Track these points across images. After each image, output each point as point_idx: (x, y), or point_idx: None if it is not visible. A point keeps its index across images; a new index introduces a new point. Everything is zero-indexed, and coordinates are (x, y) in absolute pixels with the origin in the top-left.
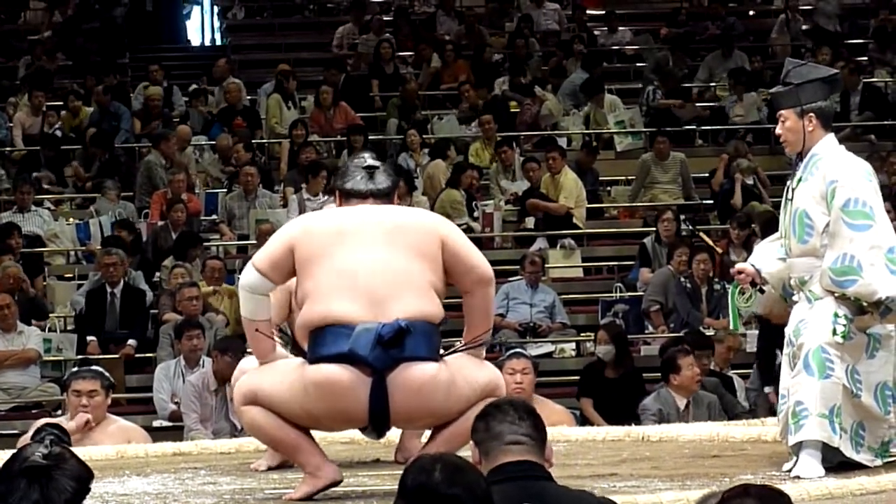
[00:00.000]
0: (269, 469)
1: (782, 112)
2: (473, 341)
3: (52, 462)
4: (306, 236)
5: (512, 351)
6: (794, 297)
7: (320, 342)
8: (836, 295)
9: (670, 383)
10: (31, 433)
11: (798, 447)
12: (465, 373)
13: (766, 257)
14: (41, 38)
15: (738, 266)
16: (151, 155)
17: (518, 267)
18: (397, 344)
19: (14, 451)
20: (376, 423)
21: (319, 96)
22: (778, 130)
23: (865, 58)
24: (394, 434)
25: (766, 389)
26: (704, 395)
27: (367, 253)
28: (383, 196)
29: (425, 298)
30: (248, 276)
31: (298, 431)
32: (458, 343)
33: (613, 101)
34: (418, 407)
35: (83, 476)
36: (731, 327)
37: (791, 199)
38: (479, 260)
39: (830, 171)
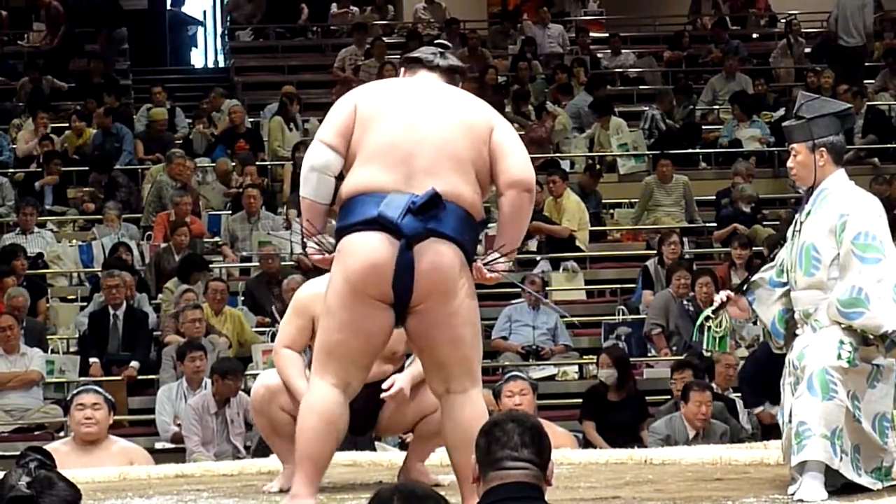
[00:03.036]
0: (282, 491)
1: (794, 146)
2: (500, 253)
3: (38, 489)
4: (367, 94)
5: (509, 374)
6: (798, 331)
7: (350, 211)
8: (843, 326)
9: (682, 410)
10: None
11: (801, 469)
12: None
13: (762, 298)
14: (40, 58)
15: (734, 296)
16: (163, 175)
17: (520, 289)
18: (431, 212)
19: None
20: (399, 294)
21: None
22: (789, 164)
23: (871, 81)
24: (397, 457)
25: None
26: (718, 425)
27: (415, 121)
28: (448, 72)
29: (467, 184)
30: (317, 154)
31: (322, 451)
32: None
33: (619, 123)
34: (440, 283)
35: (70, 499)
36: (701, 345)
37: (799, 232)
38: (518, 160)
39: (841, 204)
